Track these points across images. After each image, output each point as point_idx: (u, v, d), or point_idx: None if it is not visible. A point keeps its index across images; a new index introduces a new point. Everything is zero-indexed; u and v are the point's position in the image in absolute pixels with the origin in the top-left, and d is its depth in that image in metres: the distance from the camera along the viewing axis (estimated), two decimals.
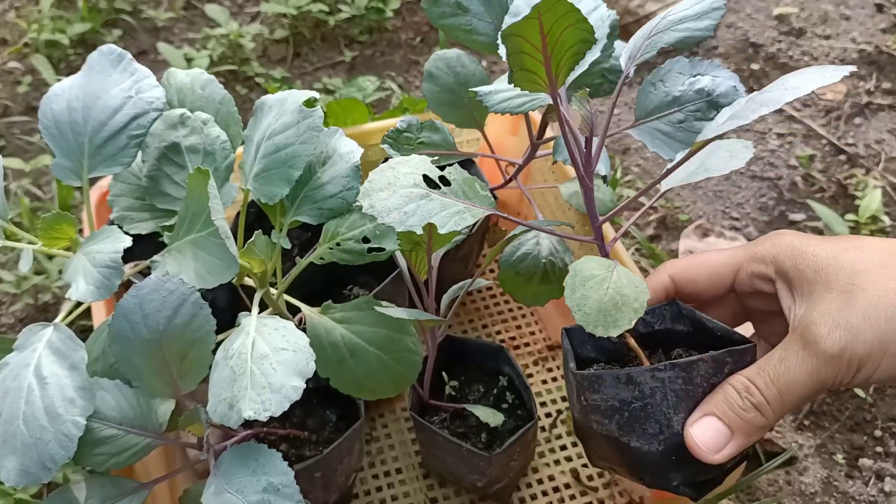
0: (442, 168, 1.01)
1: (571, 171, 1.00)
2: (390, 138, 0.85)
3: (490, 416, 0.75)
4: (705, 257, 0.70)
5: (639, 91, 0.72)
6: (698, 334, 0.67)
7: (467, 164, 1.04)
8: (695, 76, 0.73)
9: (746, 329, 0.71)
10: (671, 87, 0.73)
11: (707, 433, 0.59)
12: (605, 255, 0.67)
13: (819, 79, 0.54)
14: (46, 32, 1.54)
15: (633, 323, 0.58)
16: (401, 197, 0.56)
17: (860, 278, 0.58)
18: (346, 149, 0.68)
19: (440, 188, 0.60)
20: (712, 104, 0.70)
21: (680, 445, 0.60)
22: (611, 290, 0.58)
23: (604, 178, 0.76)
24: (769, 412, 0.58)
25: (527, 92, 0.59)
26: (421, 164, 0.60)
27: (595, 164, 0.63)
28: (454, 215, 0.57)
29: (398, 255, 0.79)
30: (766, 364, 0.59)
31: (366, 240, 0.68)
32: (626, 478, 0.70)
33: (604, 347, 0.69)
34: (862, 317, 0.56)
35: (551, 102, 0.61)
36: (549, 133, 0.90)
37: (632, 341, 0.65)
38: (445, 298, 0.79)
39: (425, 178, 0.60)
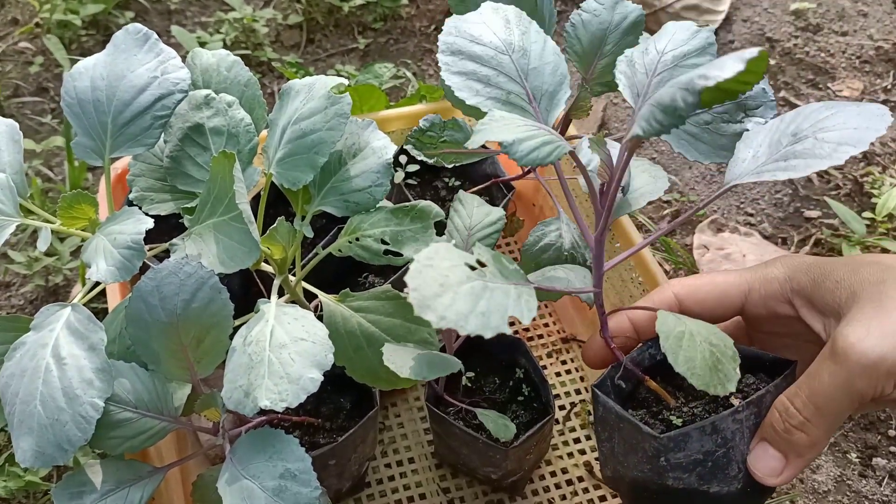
0: (457, 169, 1.01)
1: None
2: (414, 138, 0.84)
3: (501, 431, 0.74)
4: (713, 277, 0.68)
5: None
6: None
7: (490, 159, 1.03)
8: None
9: None
10: None
11: (763, 460, 0.59)
12: (601, 304, 0.65)
13: (861, 135, 0.53)
14: (59, 13, 1.53)
15: (739, 372, 0.57)
16: (465, 298, 0.50)
17: (887, 287, 0.56)
18: (378, 143, 0.68)
19: (479, 272, 0.54)
20: (740, 106, 0.69)
21: (753, 479, 0.60)
22: (703, 343, 0.57)
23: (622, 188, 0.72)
24: (813, 430, 0.57)
25: (551, 137, 0.56)
26: (455, 253, 0.54)
27: (611, 212, 0.61)
28: (521, 301, 0.53)
29: None
30: (802, 382, 0.58)
31: (384, 241, 0.67)
32: None
33: (623, 394, 0.68)
34: None
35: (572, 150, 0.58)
36: (571, 130, 0.90)
37: (652, 383, 0.65)
38: None
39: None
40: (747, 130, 0.65)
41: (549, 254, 0.81)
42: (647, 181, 0.71)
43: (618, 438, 0.64)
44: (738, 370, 0.58)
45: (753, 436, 0.60)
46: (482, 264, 0.54)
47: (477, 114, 0.90)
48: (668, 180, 0.72)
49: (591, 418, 0.93)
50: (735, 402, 0.63)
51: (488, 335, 0.48)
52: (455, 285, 0.50)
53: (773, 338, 0.68)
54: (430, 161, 0.85)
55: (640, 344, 0.68)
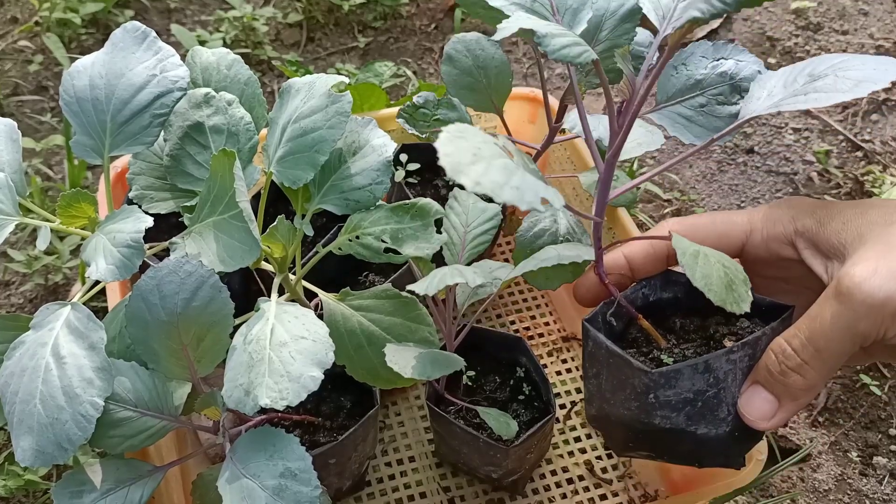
0: None
1: (591, 160, 0.99)
2: (406, 113, 0.84)
3: (503, 428, 0.73)
4: (714, 217, 0.65)
5: (661, 75, 0.70)
6: (693, 299, 0.64)
7: None
8: (718, 60, 0.72)
9: None
10: (693, 70, 0.72)
11: (755, 403, 0.57)
12: (599, 238, 0.65)
13: (880, 75, 0.52)
14: (58, 11, 1.53)
15: (751, 294, 0.56)
16: (498, 170, 0.48)
17: (895, 229, 0.54)
18: (378, 141, 0.67)
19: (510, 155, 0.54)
20: (735, 88, 0.69)
21: (742, 422, 0.59)
22: (717, 263, 0.56)
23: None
24: (810, 373, 0.55)
25: (581, 41, 0.55)
26: (482, 134, 0.53)
27: (628, 129, 0.59)
28: (549, 190, 0.51)
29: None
30: (802, 323, 0.56)
31: (384, 240, 0.67)
32: (666, 463, 0.68)
33: (613, 333, 0.67)
34: None
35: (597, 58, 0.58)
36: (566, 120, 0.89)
37: (645, 322, 0.64)
38: (462, 296, 0.78)
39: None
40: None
41: (544, 239, 0.80)
42: (643, 134, 0.70)
43: (606, 374, 0.63)
44: (749, 293, 0.56)
45: (745, 378, 0.59)
46: (509, 153, 0.53)
47: (475, 106, 0.90)
48: (663, 137, 0.71)
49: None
50: (728, 344, 0.62)
51: (523, 207, 0.47)
52: (488, 158, 0.48)
53: (772, 282, 0.67)
54: (422, 136, 0.84)
55: (634, 283, 0.67)
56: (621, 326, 0.68)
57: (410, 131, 0.84)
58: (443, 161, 0.47)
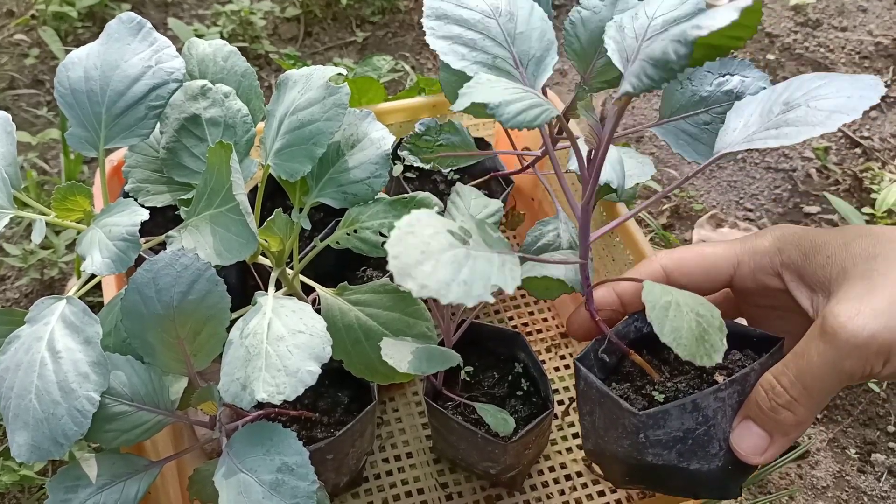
0: (456, 172, 1.01)
1: None
2: (410, 143, 0.83)
3: (501, 425, 0.73)
4: (702, 249, 0.66)
5: (665, 88, 0.69)
6: None
7: (483, 147, 1.02)
8: (724, 76, 0.71)
9: None
10: (699, 86, 0.71)
11: (746, 438, 0.58)
12: (587, 276, 0.65)
13: (854, 103, 0.52)
14: (54, 5, 1.52)
15: (725, 344, 0.56)
16: (447, 266, 0.47)
17: (878, 264, 0.55)
18: (377, 134, 0.67)
19: (462, 240, 0.52)
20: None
21: (735, 456, 0.59)
22: (690, 313, 0.56)
23: (614, 190, 0.69)
24: (799, 409, 0.56)
25: (539, 100, 0.54)
26: (437, 220, 0.52)
27: (598, 179, 0.59)
28: (505, 270, 0.51)
29: None
30: (789, 360, 0.57)
31: (383, 234, 0.66)
32: (666, 494, 0.69)
33: (607, 367, 0.67)
34: (888, 302, 0.53)
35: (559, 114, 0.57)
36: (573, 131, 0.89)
37: (636, 357, 0.64)
38: None
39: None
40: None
41: (547, 255, 0.80)
42: (634, 165, 0.70)
43: (599, 413, 0.63)
44: (724, 341, 0.57)
45: (736, 414, 0.59)
46: (466, 232, 0.52)
47: (473, 112, 0.89)
48: (654, 168, 0.72)
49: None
50: (719, 378, 0.62)
51: (470, 304, 0.47)
52: (437, 253, 0.48)
53: (762, 310, 0.67)
54: (427, 166, 0.84)
55: (626, 317, 0.67)
56: (615, 360, 0.67)
57: (416, 164, 0.84)
58: (390, 265, 0.46)
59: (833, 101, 0.53)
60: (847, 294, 0.54)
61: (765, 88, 0.68)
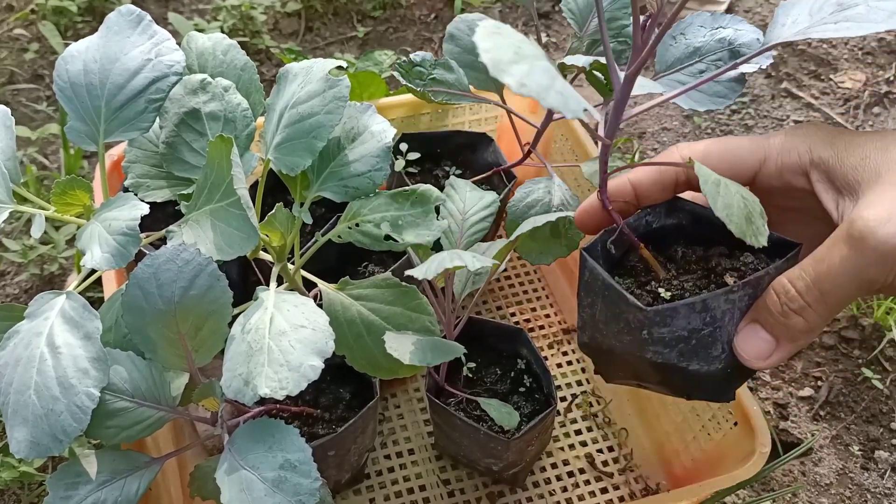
0: (457, 158, 0.99)
1: (593, 150, 0.98)
2: (402, 68, 0.82)
3: (505, 419, 0.72)
4: (727, 142, 0.62)
5: (658, 45, 0.68)
6: (699, 228, 0.63)
7: (485, 142, 1.02)
8: (716, 28, 0.71)
9: None
10: (692, 39, 0.71)
11: (752, 342, 0.56)
12: (605, 161, 0.61)
13: None
14: None
15: (767, 229, 0.54)
16: (542, 72, 0.44)
17: None
18: (377, 127, 0.66)
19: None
20: (734, 53, 0.68)
21: (736, 360, 0.57)
22: (737, 194, 0.54)
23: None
24: (812, 316, 0.54)
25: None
26: (517, 33, 0.48)
27: (655, 47, 0.55)
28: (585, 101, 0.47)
29: None
30: (808, 264, 0.54)
31: (384, 227, 0.66)
32: (655, 392, 0.67)
33: (611, 260, 0.65)
34: None
35: None
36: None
37: (646, 251, 0.62)
38: (460, 285, 0.77)
39: None
40: (743, 74, 0.62)
41: (536, 210, 0.79)
42: (650, 85, 0.68)
43: (601, 306, 0.61)
44: (766, 227, 0.55)
45: (743, 317, 0.57)
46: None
47: (476, 83, 0.87)
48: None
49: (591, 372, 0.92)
50: (730, 280, 0.60)
51: (568, 116, 0.44)
52: (531, 58, 0.45)
53: (784, 213, 0.64)
54: (418, 90, 0.83)
55: (639, 210, 0.65)
56: (620, 253, 0.65)
57: (404, 83, 0.83)
58: (483, 57, 0.43)
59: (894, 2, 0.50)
60: (879, 199, 0.51)
61: (758, 40, 0.67)
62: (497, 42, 0.44)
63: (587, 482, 0.86)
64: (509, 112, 0.89)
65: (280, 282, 0.67)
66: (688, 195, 0.65)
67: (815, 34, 0.52)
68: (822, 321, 0.54)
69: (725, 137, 0.63)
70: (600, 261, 0.62)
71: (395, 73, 0.82)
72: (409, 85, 0.82)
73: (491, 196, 0.77)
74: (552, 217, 0.64)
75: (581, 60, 0.55)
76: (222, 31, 1.51)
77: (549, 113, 0.87)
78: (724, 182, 0.55)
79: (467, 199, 0.77)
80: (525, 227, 0.65)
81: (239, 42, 1.50)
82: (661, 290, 0.61)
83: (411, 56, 0.83)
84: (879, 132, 0.56)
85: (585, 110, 0.43)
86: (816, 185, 0.58)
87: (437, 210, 0.67)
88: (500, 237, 1.09)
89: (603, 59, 0.56)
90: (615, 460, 0.88)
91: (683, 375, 0.58)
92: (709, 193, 0.53)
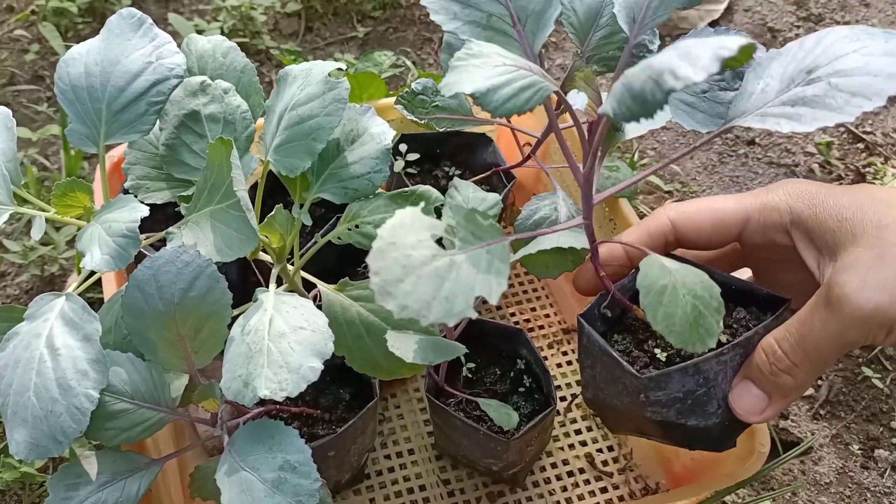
0: (456, 158, 0.99)
1: None
2: (405, 100, 0.82)
3: (505, 419, 0.73)
4: (711, 202, 0.65)
5: None
6: None
7: (484, 142, 1.02)
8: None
9: (742, 275, 0.69)
10: None
11: (745, 398, 0.59)
12: (591, 234, 0.64)
13: (880, 85, 0.48)
14: (54, 0, 1.51)
15: (722, 325, 0.56)
16: (428, 281, 0.45)
17: (889, 233, 0.54)
18: (377, 129, 0.67)
19: (449, 241, 0.50)
20: (737, 74, 0.68)
21: (732, 413, 0.60)
22: (686, 296, 0.55)
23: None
24: (799, 374, 0.57)
25: (531, 79, 0.50)
26: (422, 222, 0.49)
27: (599, 146, 0.58)
28: (492, 273, 0.48)
29: None
30: (792, 325, 0.57)
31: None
32: (661, 443, 0.69)
33: (609, 319, 0.67)
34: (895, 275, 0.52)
35: (557, 90, 0.54)
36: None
37: (640, 313, 0.63)
38: None
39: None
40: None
41: (545, 227, 0.79)
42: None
43: (600, 368, 0.64)
44: (720, 323, 0.56)
45: (736, 374, 0.60)
46: (453, 231, 0.50)
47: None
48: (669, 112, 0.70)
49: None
50: (722, 338, 0.62)
51: (451, 323, 0.45)
52: (418, 266, 0.45)
53: (770, 264, 0.67)
54: (421, 122, 0.83)
55: (634, 269, 0.67)
56: (619, 312, 0.67)
57: (409, 117, 0.83)
58: (371, 283, 0.44)
59: (857, 81, 0.50)
60: (855, 263, 0.54)
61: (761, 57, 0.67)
62: (387, 260, 0.45)
63: (587, 482, 0.86)
64: (512, 129, 0.90)
65: (279, 283, 0.67)
66: (679, 252, 0.67)
67: (770, 124, 0.53)
68: (810, 378, 0.57)
69: (710, 198, 0.66)
70: (597, 324, 0.64)
71: (398, 107, 0.82)
72: (413, 118, 0.82)
73: (493, 198, 0.77)
74: (562, 244, 0.65)
75: None
76: (222, 32, 1.51)
77: (549, 124, 0.87)
78: (671, 287, 0.55)
79: (470, 201, 0.77)
80: (532, 248, 0.66)
81: (239, 43, 1.50)
82: (657, 350, 0.63)
83: (413, 85, 0.83)
84: (857, 188, 0.59)
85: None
86: (798, 243, 0.61)
87: (438, 211, 0.67)
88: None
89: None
90: (615, 460, 0.88)
91: (683, 430, 0.61)
92: (649, 307, 0.54)
